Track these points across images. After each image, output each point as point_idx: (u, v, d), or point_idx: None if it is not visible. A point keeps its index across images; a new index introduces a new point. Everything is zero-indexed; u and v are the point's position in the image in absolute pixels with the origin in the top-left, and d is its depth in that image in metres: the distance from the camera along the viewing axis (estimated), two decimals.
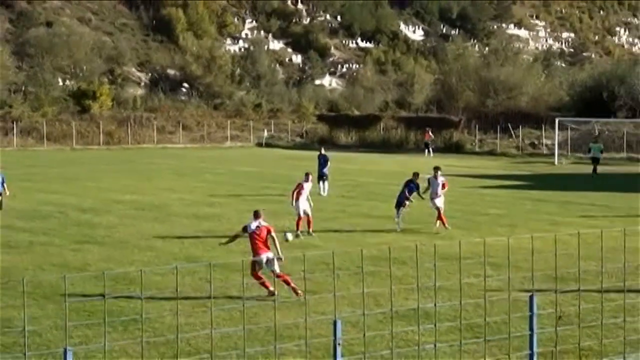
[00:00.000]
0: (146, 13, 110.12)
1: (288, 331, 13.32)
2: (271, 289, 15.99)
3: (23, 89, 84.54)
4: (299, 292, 15.94)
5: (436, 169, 26.00)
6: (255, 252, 16.45)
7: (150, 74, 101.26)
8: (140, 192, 35.63)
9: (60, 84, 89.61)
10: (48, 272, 18.37)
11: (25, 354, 10.00)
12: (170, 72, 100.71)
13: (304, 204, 24.34)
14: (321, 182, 34.52)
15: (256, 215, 16.98)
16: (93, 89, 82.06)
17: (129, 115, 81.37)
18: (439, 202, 25.32)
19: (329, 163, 35.52)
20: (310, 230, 24.03)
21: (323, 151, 36.55)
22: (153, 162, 54.39)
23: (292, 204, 24.48)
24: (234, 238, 17.69)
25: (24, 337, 11.60)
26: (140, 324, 13.46)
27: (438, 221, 25.22)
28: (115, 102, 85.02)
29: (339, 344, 8.22)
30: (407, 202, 25.28)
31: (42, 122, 75.73)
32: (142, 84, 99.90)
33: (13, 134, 73.44)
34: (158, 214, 28.53)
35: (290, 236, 19.71)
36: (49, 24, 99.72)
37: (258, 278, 16.27)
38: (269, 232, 16.65)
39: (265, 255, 16.26)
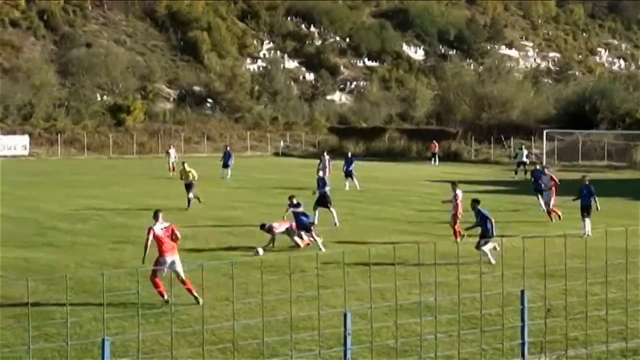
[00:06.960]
0: (175, 35, 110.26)
1: (303, 322, 13.30)
2: (166, 297, 14.63)
3: (66, 104, 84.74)
4: (200, 300, 14.47)
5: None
6: (162, 254, 14.91)
7: (178, 90, 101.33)
8: (169, 197, 35.67)
9: (99, 99, 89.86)
10: (88, 269, 18.40)
11: (67, 343, 10.03)
12: (196, 88, 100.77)
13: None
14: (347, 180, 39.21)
15: (156, 216, 15.36)
16: (127, 103, 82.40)
17: (160, 128, 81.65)
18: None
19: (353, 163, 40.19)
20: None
21: (349, 154, 42.93)
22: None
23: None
24: (146, 246, 15.35)
25: (66, 327, 11.62)
26: (170, 316, 13.46)
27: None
28: (147, 116, 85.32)
29: (348, 334, 8.20)
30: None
31: (83, 133, 76.14)
32: (171, 99, 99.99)
33: (58, 145, 73.82)
34: (185, 217, 28.52)
35: (261, 251, 19.85)
36: (88, 46, 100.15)
37: (156, 285, 14.79)
38: (173, 231, 15.15)
39: (170, 258, 14.85)
